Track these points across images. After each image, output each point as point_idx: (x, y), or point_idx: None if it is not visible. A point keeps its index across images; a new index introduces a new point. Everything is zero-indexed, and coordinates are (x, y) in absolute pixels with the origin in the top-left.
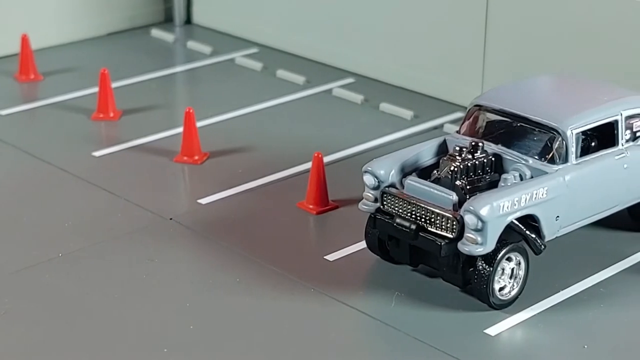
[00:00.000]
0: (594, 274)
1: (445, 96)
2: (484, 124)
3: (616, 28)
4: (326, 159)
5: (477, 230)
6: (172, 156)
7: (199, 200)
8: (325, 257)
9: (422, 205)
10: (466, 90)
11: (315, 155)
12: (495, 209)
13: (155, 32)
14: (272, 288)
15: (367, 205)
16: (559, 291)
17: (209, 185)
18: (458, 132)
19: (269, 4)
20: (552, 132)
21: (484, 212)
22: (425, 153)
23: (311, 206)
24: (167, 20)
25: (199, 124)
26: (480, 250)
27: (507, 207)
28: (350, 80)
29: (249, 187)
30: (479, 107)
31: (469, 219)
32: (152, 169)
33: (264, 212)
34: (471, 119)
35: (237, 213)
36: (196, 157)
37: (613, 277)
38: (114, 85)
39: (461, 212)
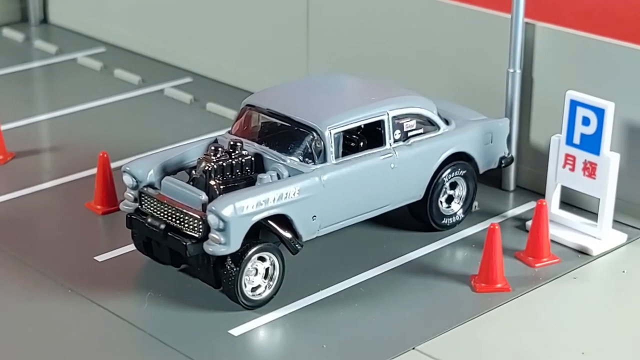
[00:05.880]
0: (360, 273)
1: None
2: (258, 123)
3: (428, 28)
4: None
5: (219, 230)
6: None
7: None
8: (95, 257)
9: (172, 205)
10: None
11: (101, 155)
12: (238, 209)
13: (7, 32)
14: (29, 289)
15: (127, 205)
16: (318, 290)
17: (5, 185)
18: (230, 131)
19: (117, 3)
20: (311, 132)
21: (225, 212)
22: (193, 152)
23: (98, 206)
24: (23, 20)
25: (19, 123)
26: (223, 250)
27: (252, 207)
28: (188, 79)
29: (45, 187)
30: (251, 106)
31: (212, 219)
32: None
33: (52, 212)
34: (242, 118)
35: (22, 213)
36: (0, 157)
37: (378, 277)
38: None
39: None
